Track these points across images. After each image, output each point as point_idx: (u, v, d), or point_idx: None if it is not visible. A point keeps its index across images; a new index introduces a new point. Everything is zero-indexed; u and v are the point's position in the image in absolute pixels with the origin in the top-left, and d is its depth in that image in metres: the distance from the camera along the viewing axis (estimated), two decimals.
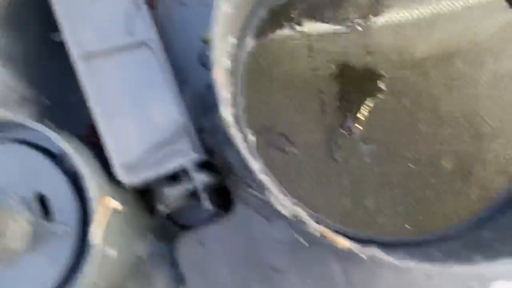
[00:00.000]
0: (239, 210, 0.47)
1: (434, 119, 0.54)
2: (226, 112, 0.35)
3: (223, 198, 0.47)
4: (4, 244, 0.35)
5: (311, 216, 0.38)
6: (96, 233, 0.33)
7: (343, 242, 0.33)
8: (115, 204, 0.35)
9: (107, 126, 0.38)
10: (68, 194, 0.36)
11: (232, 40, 0.46)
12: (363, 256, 0.33)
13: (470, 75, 0.54)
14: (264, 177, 0.36)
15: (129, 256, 0.42)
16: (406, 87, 0.54)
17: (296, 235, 0.46)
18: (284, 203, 0.35)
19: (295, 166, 0.55)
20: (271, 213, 0.47)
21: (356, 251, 0.32)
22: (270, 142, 0.56)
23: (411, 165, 0.54)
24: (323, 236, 0.33)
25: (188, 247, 0.46)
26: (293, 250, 0.46)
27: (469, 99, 0.54)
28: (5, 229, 0.35)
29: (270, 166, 0.53)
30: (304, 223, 0.35)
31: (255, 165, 0.35)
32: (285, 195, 0.48)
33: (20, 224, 0.35)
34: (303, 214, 0.35)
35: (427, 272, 0.45)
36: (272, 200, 0.35)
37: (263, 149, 0.53)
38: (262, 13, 0.51)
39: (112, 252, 0.37)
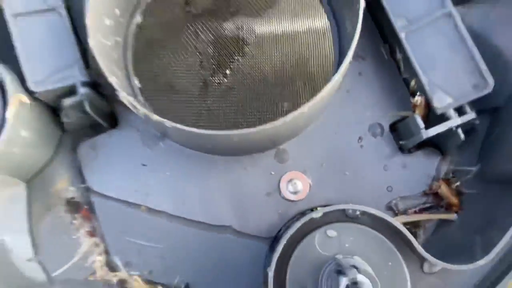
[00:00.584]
0: (123, 125, 0.68)
1: (278, 78, 0.77)
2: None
3: (111, 118, 0.69)
4: None
5: None
6: (9, 111, 0.55)
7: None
8: (23, 98, 0.57)
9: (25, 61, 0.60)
10: None
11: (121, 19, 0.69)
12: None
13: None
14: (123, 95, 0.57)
15: (41, 145, 0.63)
16: (263, 55, 0.78)
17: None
18: (135, 105, 0.56)
19: (176, 106, 0.77)
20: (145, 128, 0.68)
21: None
22: (157, 88, 0.78)
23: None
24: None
25: (85, 151, 0.67)
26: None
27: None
28: None
29: (157, 107, 0.75)
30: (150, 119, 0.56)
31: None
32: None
33: None
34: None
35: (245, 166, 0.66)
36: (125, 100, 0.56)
37: (152, 93, 0.75)
38: None
39: (25, 133, 0.58)
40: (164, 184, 0.66)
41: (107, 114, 0.68)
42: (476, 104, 0.61)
